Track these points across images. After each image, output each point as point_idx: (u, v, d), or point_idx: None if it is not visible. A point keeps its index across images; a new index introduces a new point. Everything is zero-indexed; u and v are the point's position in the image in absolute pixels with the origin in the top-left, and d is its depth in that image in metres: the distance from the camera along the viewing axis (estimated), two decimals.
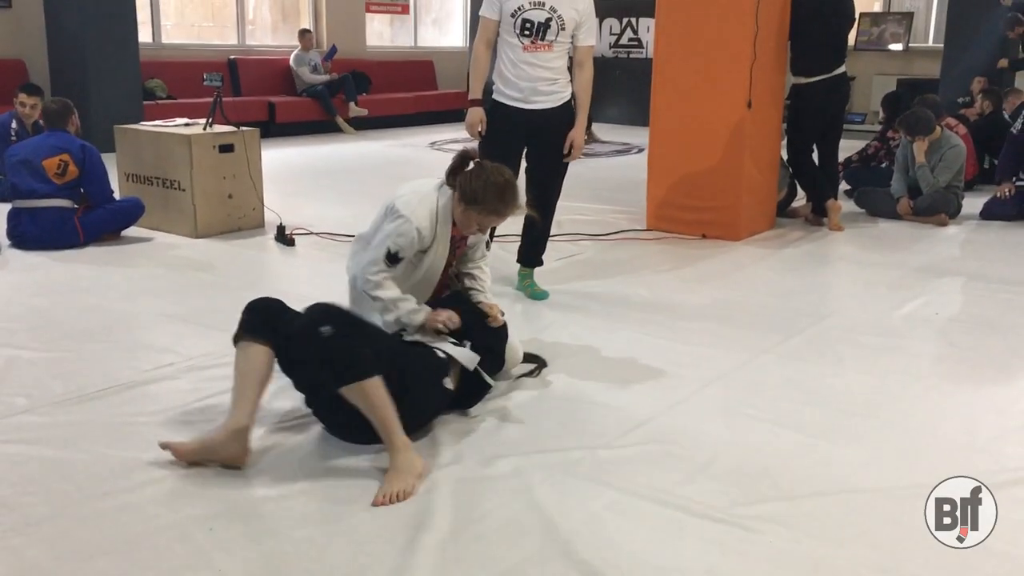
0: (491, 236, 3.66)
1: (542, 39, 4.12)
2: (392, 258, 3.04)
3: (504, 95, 4.25)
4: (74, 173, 5.29)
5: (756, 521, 2.39)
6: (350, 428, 2.78)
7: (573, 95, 4.31)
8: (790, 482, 2.62)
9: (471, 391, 3.08)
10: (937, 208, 6.43)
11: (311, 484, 2.57)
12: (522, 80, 4.17)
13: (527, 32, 4.12)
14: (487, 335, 3.19)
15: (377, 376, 2.58)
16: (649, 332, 3.98)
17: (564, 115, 4.26)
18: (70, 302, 4.26)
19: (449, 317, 3.07)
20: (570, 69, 4.31)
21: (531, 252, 4.55)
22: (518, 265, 4.59)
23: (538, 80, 4.17)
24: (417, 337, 3.07)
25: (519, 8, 4.09)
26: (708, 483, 2.60)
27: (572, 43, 4.21)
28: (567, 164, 4.35)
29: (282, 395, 3.04)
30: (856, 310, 4.41)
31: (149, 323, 3.99)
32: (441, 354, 2.99)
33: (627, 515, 2.42)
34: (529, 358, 3.48)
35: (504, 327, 3.27)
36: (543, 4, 4.09)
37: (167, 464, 2.65)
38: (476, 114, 4.28)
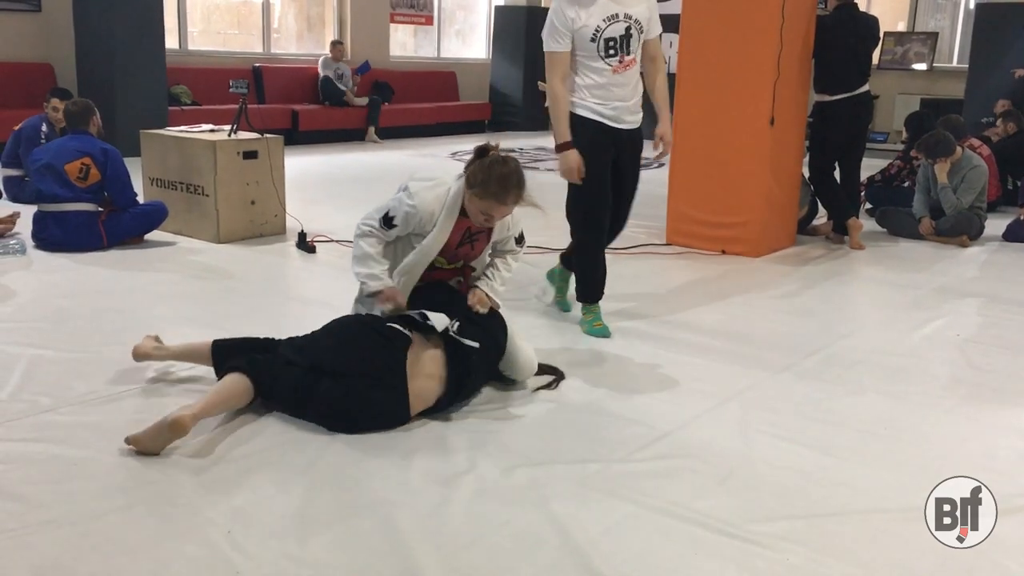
0: (520, 239, 3.56)
1: (627, 53, 3.84)
2: (387, 220, 3.30)
3: (592, 111, 3.88)
4: (96, 176, 5.33)
5: (773, 539, 2.38)
6: (332, 417, 2.95)
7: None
8: (807, 501, 2.62)
9: (461, 379, 3.09)
10: (959, 229, 6.40)
11: (324, 487, 2.59)
12: (614, 100, 3.88)
13: (612, 52, 3.80)
14: (483, 323, 3.25)
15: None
16: (667, 347, 3.98)
17: (641, 134, 4.05)
18: (93, 304, 4.31)
19: (398, 306, 3.23)
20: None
21: (598, 280, 4.21)
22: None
23: (627, 99, 3.91)
24: (387, 308, 3.23)
25: (597, 30, 3.77)
26: (725, 499, 2.60)
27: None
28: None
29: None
30: (876, 330, 4.39)
31: (170, 326, 4.01)
32: (405, 330, 3.07)
33: (643, 529, 2.42)
34: (545, 370, 3.48)
35: (499, 317, 3.36)
36: (616, 16, 3.79)
37: (187, 466, 2.68)
38: (573, 158, 3.83)
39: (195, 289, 4.70)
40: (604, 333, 4.06)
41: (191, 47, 11.18)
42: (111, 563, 2.18)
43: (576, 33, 3.78)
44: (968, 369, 3.85)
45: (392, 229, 3.32)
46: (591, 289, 4.16)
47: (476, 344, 3.12)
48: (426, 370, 3.04)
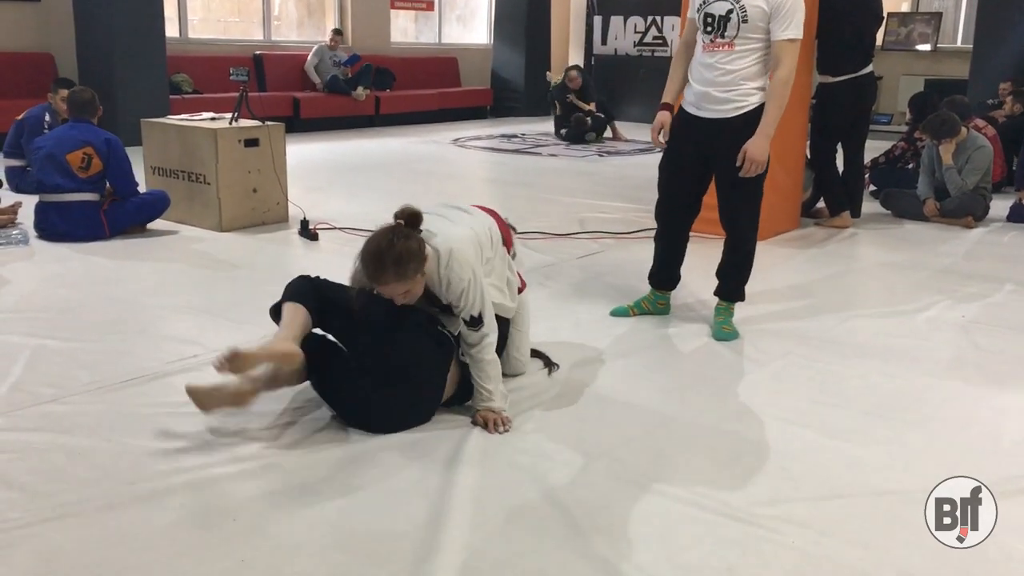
0: (473, 322, 2.88)
1: (721, 36, 3.59)
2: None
3: (685, 99, 3.82)
4: (98, 167, 5.31)
5: (777, 522, 2.38)
6: (357, 414, 2.88)
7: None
8: (812, 483, 2.61)
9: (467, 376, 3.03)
10: (964, 210, 6.37)
11: (331, 474, 2.59)
12: (697, 83, 3.71)
13: (708, 28, 3.62)
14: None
15: None
16: (671, 331, 3.97)
17: (746, 127, 3.62)
18: (96, 293, 4.31)
19: None
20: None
21: (721, 279, 4.01)
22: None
23: (712, 85, 3.65)
24: None
25: (704, 2, 3.65)
26: (729, 482, 2.59)
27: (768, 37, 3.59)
28: (757, 182, 3.75)
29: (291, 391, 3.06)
30: (881, 311, 4.37)
31: (173, 315, 4.02)
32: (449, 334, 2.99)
33: (648, 513, 2.42)
34: (538, 355, 3.47)
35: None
36: None
37: (192, 454, 2.68)
38: (658, 118, 3.81)
39: (198, 278, 4.69)
40: (727, 336, 3.88)
41: (191, 35, 11.14)
42: (116, 553, 2.18)
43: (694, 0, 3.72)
44: (973, 350, 3.84)
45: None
46: (651, 273, 4.18)
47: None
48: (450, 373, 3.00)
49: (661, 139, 3.86)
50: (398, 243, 2.72)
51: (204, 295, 4.35)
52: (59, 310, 4.04)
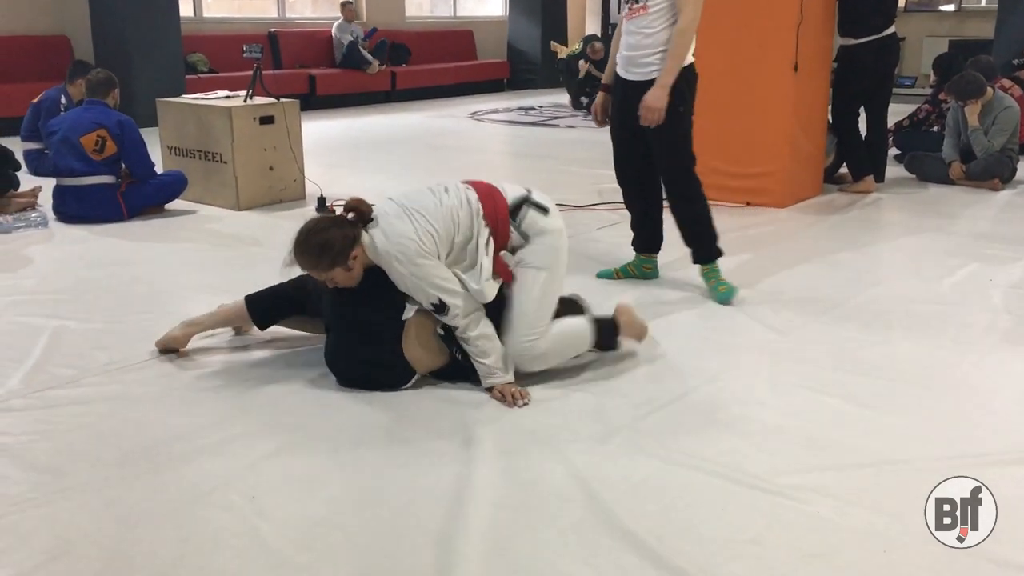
0: (439, 307, 2.87)
1: (637, 1, 3.74)
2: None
3: (618, 64, 3.94)
4: (113, 149, 5.28)
5: (802, 491, 2.34)
6: (367, 380, 2.98)
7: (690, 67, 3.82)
8: (837, 452, 2.57)
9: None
10: (991, 172, 6.25)
11: (350, 450, 2.58)
12: (624, 49, 3.85)
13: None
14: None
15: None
16: (693, 300, 3.92)
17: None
18: (114, 274, 4.31)
19: None
20: None
21: (689, 244, 4.02)
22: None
23: (636, 49, 3.77)
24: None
25: None
26: (752, 452, 2.56)
27: None
28: (676, 133, 3.80)
29: (303, 364, 3.05)
30: (906, 277, 4.30)
31: (192, 294, 4.02)
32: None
33: (670, 484, 2.39)
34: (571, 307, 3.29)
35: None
36: None
37: (210, 433, 2.67)
38: (597, 98, 4.11)
39: (216, 257, 4.69)
40: (727, 295, 3.89)
41: (206, 14, 11.11)
42: (135, 532, 2.18)
43: None
44: (1001, 315, 3.76)
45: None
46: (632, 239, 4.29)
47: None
48: (420, 340, 2.96)
49: (600, 119, 4.09)
50: (315, 236, 2.84)
51: (222, 274, 4.35)
52: (78, 291, 4.05)
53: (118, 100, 5.59)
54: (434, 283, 2.83)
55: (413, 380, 2.99)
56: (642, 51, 3.76)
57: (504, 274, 2.96)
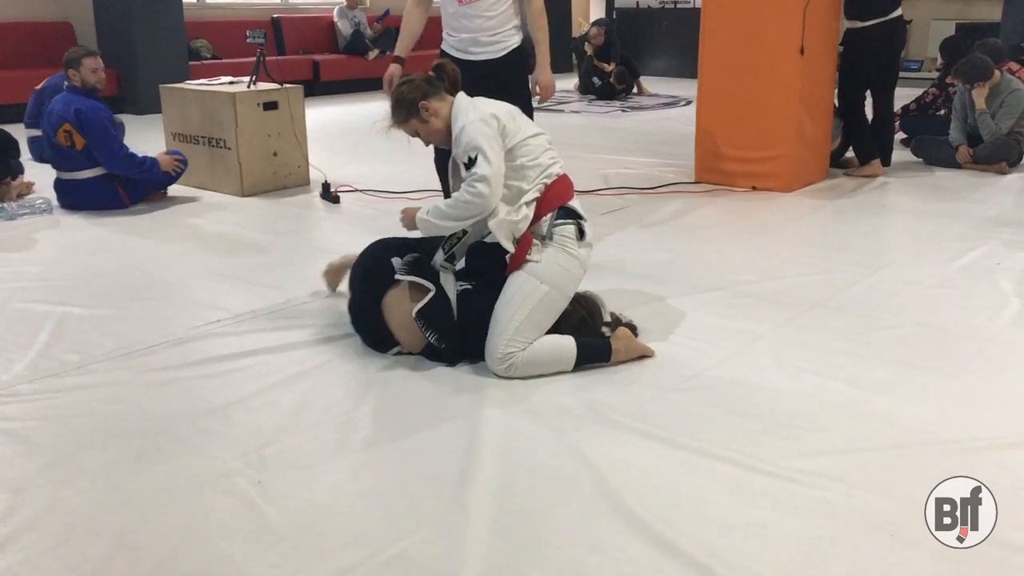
0: (469, 163, 2.93)
1: None
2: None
3: (448, 44, 4.23)
4: (82, 141, 5.09)
5: (809, 475, 2.33)
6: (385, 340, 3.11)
7: (527, 39, 4.23)
8: (844, 436, 2.56)
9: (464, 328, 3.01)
10: (998, 155, 6.22)
11: (356, 432, 2.57)
12: (460, 32, 4.11)
13: None
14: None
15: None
16: (699, 285, 3.91)
17: (513, 62, 4.15)
18: (118, 261, 4.31)
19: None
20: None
21: None
22: None
23: (478, 31, 4.07)
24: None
25: None
26: (759, 437, 2.55)
27: None
28: (528, 97, 4.18)
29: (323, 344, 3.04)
30: (914, 261, 4.28)
31: (196, 280, 4.02)
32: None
33: (677, 469, 2.38)
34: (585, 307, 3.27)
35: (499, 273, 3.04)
36: None
37: (215, 418, 2.67)
38: (389, 70, 4.28)
39: (221, 243, 4.68)
40: None
41: (209, 0, 11.07)
42: (143, 516, 2.18)
43: None
44: (1009, 298, 3.75)
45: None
46: None
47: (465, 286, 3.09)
48: (397, 318, 3.02)
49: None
50: (394, 91, 3.14)
51: (227, 260, 4.34)
52: (83, 277, 4.04)
53: (83, 77, 5.12)
54: (482, 143, 2.91)
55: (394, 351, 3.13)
56: (487, 32, 4.07)
57: (519, 252, 2.95)
